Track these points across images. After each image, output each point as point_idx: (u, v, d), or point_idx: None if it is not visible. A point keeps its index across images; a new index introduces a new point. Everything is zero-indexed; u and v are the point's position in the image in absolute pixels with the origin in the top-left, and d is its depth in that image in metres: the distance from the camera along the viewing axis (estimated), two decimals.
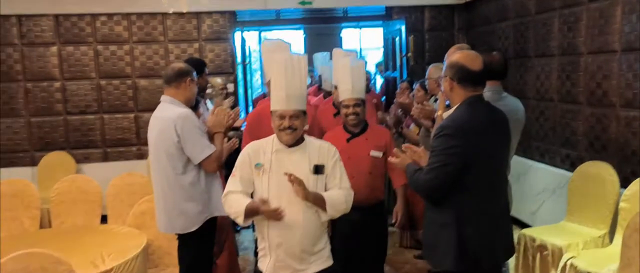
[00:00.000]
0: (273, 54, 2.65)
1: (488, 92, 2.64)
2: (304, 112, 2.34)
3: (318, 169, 2.33)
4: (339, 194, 2.35)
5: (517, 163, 4.95)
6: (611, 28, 3.67)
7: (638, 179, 3.24)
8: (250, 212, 2.25)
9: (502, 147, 2.36)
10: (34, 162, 5.64)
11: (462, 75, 2.24)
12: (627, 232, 2.60)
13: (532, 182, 4.73)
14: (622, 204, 3.29)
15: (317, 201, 2.28)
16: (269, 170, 2.31)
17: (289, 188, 2.23)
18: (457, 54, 2.34)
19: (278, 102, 2.32)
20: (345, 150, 2.44)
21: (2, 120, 5.64)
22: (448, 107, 2.41)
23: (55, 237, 3.32)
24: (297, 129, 2.30)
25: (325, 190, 2.36)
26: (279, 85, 2.32)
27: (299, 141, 2.35)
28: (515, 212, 4.90)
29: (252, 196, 2.37)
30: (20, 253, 2.29)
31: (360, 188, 2.30)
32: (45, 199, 4.14)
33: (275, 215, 2.22)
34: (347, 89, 3.04)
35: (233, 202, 2.31)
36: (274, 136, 2.38)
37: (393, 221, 3.14)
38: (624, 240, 2.62)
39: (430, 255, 2.34)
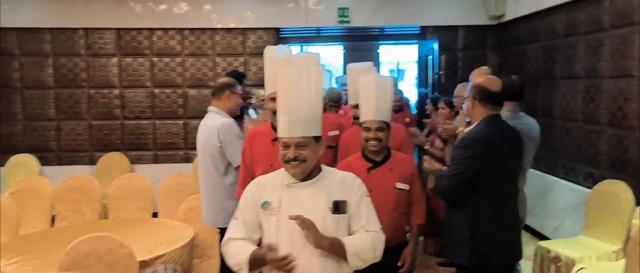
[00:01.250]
0: (280, 66, 2.37)
1: (506, 112, 2.93)
2: (317, 138, 1.94)
3: (339, 207, 1.91)
4: (365, 239, 1.91)
5: (543, 179, 5.13)
6: (631, 54, 3.85)
7: None
8: (256, 263, 1.86)
9: (514, 161, 2.65)
10: (92, 161, 6.21)
11: (484, 96, 2.56)
12: (630, 244, 2.81)
13: (556, 198, 4.90)
14: (634, 221, 3.46)
15: (335, 248, 1.86)
16: (278, 210, 1.91)
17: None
18: (481, 78, 2.67)
19: (281, 127, 1.93)
20: (365, 183, 2.09)
21: (67, 123, 6.25)
22: (468, 123, 2.72)
23: (113, 226, 3.74)
24: (306, 160, 1.89)
25: (349, 233, 1.95)
26: (282, 105, 1.93)
27: (314, 172, 1.95)
28: (538, 226, 5.12)
29: (260, 244, 1.97)
30: (91, 236, 2.72)
31: (383, 227, 1.99)
32: (104, 195, 4.63)
33: (285, 266, 1.80)
34: (370, 110, 2.66)
35: (235, 251, 1.90)
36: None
37: (399, 264, 2.69)
38: (627, 252, 2.83)
39: (448, 250, 2.67)
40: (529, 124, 3.16)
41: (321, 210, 1.90)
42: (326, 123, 2.52)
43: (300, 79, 1.92)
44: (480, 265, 2.49)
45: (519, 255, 2.65)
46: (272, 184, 1.97)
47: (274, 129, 2.65)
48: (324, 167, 2.02)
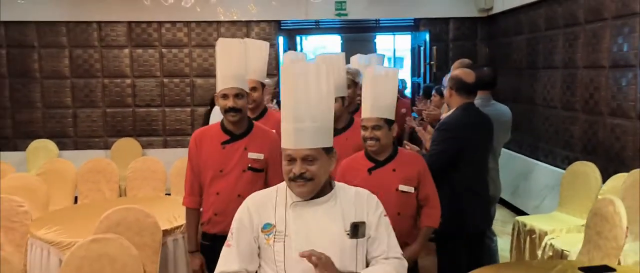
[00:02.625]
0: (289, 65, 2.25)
1: (479, 99, 3.35)
2: (329, 149, 1.67)
3: (358, 230, 1.63)
4: (388, 270, 1.66)
5: (525, 162, 5.55)
6: (601, 46, 4.24)
7: (614, 176, 3.83)
8: None
9: (485, 142, 3.11)
10: (107, 146, 6.64)
11: (459, 86, 3.01)
12: (589, 215, 3.22)
13: (537, 179, 5.32)
14: (599, 197, 3.88)
15: None
16: (284, 235, 1.61)
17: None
18: (457, 71, 3.13)
19: (285, 137, 1.64)
20: (365, 184, 1.96)
21: (83, 110, 6.66)
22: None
23: (132, 203, 4.06)
24: (314, 179, 1.61)
25: (367, 261, 1.69)
26: (287, 109, 1.65)
27: (325, 188, 1.68)
28: (521, 205, 5.55)
29: None
30: (120, 207, 3.14)
31: None
32: (121, 176, 5.04)
33: None
34: (366, 107, 2.42)
35: None
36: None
37: None
38: (587, 222, 3.24)
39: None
40: (500, 110, 3.58)
41: (337, 234, 1.61)
42: None
43: (308, 74, 1.63)
44: (456, 230, 2.92)
45: (489, 223, 3.08)
46: (274, 202, 1.67)
47: (224, 130, 2.53)
48: (336, 183, 1.74)
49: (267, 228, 1.64)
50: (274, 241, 1.62)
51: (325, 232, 1.62)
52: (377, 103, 2.39)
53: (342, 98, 2.88)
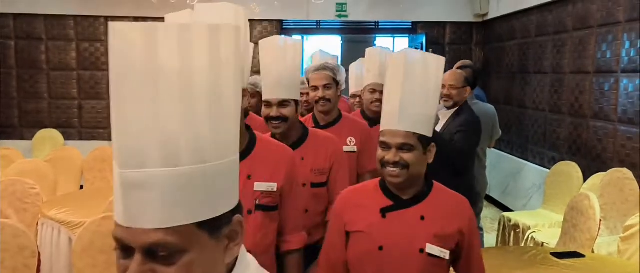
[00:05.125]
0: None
1: None
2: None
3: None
4: None
5: (515, 162, 5.77)
6: (587, 53, 4.47)
7: (594, 175, 4.05)
8: None
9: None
10: (110, 138, 6.78)
11: (471, 81, 3.26)
12: (566, 209, 3.44)
13: (525, 178, 5.54)
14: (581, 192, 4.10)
15: None
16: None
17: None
18: (458, 70, 3.37)
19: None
20: (375, 232, 1.58)
21: (88, 102, 6.86)
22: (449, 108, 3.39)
23: None
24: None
25: None
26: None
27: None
28: (510, 204, 5.77)
29: None
30: None
31: None
32: None
33: None
34: (390, 115, 1.63)
35: None
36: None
37: None
38: (564, 215, 3.46)
39: None
40: (483, 109, 3.81)
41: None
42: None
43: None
44: None
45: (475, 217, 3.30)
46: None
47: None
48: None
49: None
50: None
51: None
52: (406, 111, 1.59)
53: (296, 102, 2.12)
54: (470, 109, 3.26)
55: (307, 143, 2.20)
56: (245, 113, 2.82)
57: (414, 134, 1.58)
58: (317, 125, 2.64)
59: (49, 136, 6.64)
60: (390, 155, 1.57)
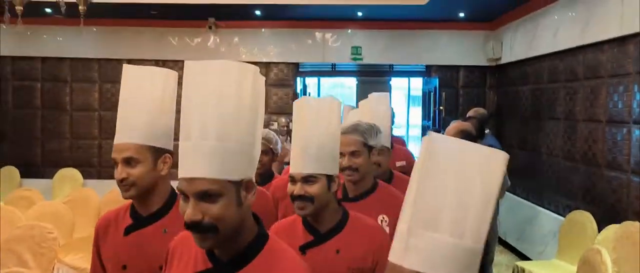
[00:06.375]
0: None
1: None
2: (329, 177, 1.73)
3: None
4: None
5: (530, 208, 5.72)
6: (599, 102, 4.47)
7: (607, 227, 4.00)
8: None
9: None
10: None
11: (467, 139, 3.30)
12: (579, 263, 3.40)
13: (541, 225, 5.47)
14: (594, 246, 4.04)
15: None
16: None
17: None
18: (458, 125, 3.42)
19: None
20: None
21: (108, 141, 7.05)
22: None
23: None
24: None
25: None
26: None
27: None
28: (526, 250, 5.70)
29: None
30: None
31: None
32: None
33: None
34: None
35: None
36: None
37: None
38: (577, 269, 3.42)
39: None
40: None
41: None
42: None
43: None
44: None
45: (487, 262, 3.28)
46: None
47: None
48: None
49: None
50: None
51: None
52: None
53: (329, 177, 1.81)
54: None
55: (345, 232, 1.77)
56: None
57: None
58: (345, 196, 2.23)
59: (70, 175, 6.82)
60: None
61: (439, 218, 0.94)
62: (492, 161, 0.98)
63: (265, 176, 2.77)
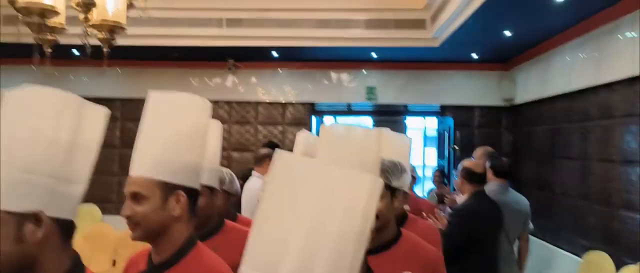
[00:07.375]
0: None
1: (496, 186, 3.64)
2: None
3: None
4: None
5: (547, 249, 5.62)
6: (613, 142, 4.46)
7: (624, 267, 3.92)
8: None
9: (493, 229, 3.35)
10: None
11: (468, 176, 3.32)
12: None
13: (559, 267, 5.37)
14: None
15: None
16: None
17: None
18: (466, 162, 3.45)
19: None
20: None
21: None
22: None
23: None
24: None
25: None
26: None
27: None
28: None
29: None
30: None
31: None
32: None
33: None
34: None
35: None
36: None
37: None
38: None
39: None
40: (515, 199, 3.82)
41: None
42: None
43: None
44: None
45: None
46: None
47: None
48: None
49: None
50: None
51: None
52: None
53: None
54: (468, 200, 3.31)
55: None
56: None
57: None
58: None
59: (88, 211, 6.95)
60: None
61: (281, 262, 0.72)
62: (357, 186, 0.76)
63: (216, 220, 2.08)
